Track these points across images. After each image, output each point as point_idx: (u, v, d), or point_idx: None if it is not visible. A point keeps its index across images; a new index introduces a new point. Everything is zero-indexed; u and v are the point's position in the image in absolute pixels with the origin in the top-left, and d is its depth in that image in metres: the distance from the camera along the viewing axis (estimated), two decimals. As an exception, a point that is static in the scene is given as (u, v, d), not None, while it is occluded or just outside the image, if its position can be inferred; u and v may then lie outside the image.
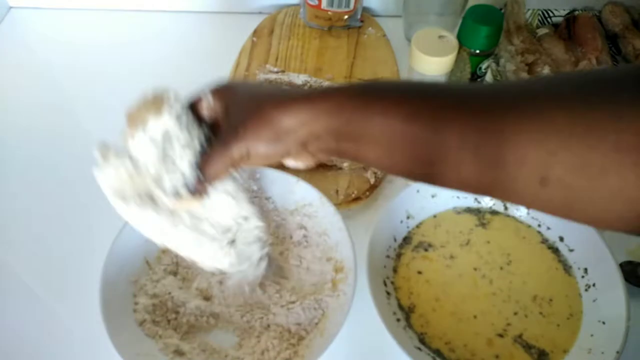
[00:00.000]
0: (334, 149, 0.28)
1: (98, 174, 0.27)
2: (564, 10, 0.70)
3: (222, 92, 0.30)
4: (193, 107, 0.31)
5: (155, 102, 0.27)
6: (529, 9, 0.69)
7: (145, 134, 0.26)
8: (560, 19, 0.69)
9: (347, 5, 0.68)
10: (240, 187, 0.31)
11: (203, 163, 0.29)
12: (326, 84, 0.62)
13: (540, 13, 0.70)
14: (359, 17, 0.71)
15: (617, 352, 0.41)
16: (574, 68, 0.62)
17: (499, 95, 0.25)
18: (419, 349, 0.44)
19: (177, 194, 0.27)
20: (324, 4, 0.68)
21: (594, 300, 0.46)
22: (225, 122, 0.29)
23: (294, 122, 0.27)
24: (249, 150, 0.28)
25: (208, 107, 0.30)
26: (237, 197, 0.31)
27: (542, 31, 0.68)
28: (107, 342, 0.39)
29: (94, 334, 0.41)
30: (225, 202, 0.30)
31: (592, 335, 0.44)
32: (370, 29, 0.71)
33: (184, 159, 0.27)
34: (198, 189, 0.29)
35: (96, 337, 0.41)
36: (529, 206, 0.26)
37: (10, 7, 0.76)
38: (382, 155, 0.28)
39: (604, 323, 0.44)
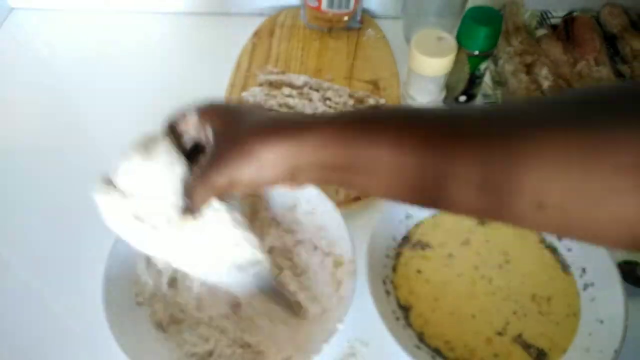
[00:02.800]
0: (322, 179, 0.28)
1: (100, 199, 0.30)
2: (563, 11, 0.70)
3: (209, 113, 0.30)
4: (176, 125, 0.31)
5: (147, 147, 0.30)
6: (527, 10, 0.70)
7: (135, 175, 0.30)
8: (558, 20, 0.70)
9: (347, 6, 0.69)
10: (228, 213, 0.32)
11: (187, 192, 0.29)
12: (326, 84, 0.62)
13: (539, 14, 0.70)
14: (358, 18, 0.71)
15: (615, 351, 0.41)
16: (572, 69, 0.63)
17: (496, 123, 0.25)
18: (418, 347, 0.44)
19: (169, 220, 0.30)
20: (323, 5, 0.68)
21: (592, 300, 0.46)
22: (208, 147, 0.29)
23: (276, 155, 0.26)
24: (231, 181, 0.28)
25: (194, 127, 0.30)
26: (224, 224, 0.32)
27: (540, 32, 0.68)
28: (109, 341, 0.39)
29: (96, 333, 0.41)
30: (212, 230, 0.32)
31: (590, 334, 0.44)
32: (369, 30, 0.72)
33: (169, 191, 0.29)
34: (186, 214, 0.30)
35: (98, 337, 0.41)
36: (526, 228, 0.26)
37: (12, 9, 0.77)
38: (375, 185, 0.27)
39: (602, 322, 0.44)
